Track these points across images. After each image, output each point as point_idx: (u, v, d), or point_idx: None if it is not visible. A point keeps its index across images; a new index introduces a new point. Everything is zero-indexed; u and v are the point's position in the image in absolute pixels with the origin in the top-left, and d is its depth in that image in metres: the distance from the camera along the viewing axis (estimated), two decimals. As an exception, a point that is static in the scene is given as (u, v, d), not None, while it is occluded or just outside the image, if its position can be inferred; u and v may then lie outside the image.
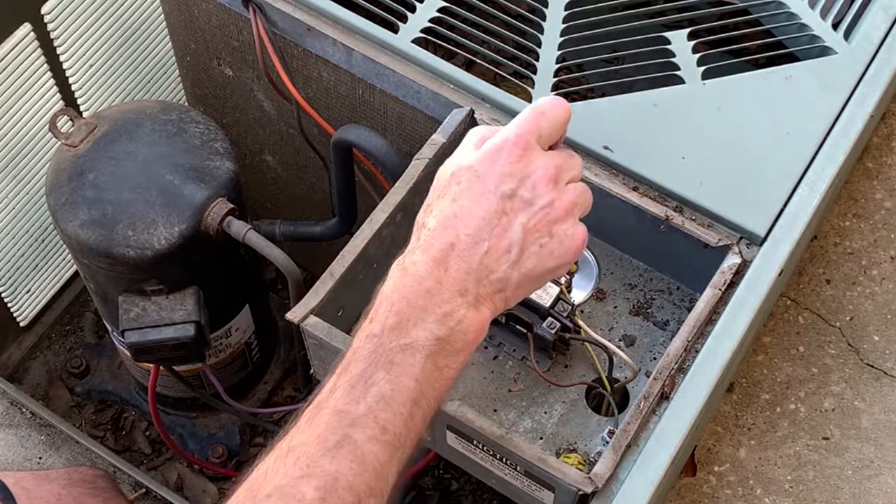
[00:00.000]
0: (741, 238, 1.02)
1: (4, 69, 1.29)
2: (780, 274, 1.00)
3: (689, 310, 0.99)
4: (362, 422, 0.71)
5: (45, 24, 1.31)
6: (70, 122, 1.23)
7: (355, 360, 0.73)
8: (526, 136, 0.78)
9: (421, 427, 0.74)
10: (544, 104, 0.80)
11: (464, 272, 0.75)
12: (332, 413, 0.71)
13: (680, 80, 1.12)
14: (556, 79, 1.12)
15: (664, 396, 0.93)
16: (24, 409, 1.37)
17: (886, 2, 1.17)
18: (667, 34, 1.16)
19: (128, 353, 1.28)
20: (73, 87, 1.41)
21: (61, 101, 1.40)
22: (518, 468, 0.91)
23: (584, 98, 1.16)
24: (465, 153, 0.80)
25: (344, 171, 1.20)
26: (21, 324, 1.61)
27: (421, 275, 0.75)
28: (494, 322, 1.02)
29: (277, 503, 0.68)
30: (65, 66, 1.38)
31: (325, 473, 0.69)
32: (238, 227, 1.18)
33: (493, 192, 0.76)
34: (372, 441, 0.71)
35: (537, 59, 1.14)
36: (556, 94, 1.11)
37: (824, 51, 1.15)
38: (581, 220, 1.10)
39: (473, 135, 0.81)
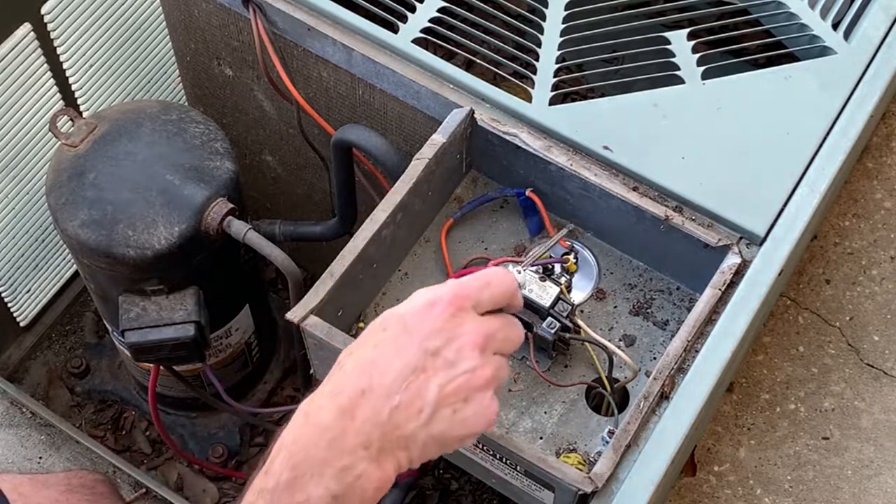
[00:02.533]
0: (741, 238, 1.02)
1: (4, 69, 1.29)
2: (780, 274, 1.00)
3: (689, 310, 0.99)
4: None
5: (45, 24, 1.31)
6: (70, 122, 1.23)
7: None
8: (462, 298, 0.74)
9: None
10: (491, 275, 0.76)
11: (371, 423, 0.70)
12: None
13: (680, 80, 1.12)
14: (556, 79, 1.12)
15: (664, 396, 0.93)
16: (24, 409, 1.37)
17: (886, 2, 1.17)
18: (667, 34, 1.16)
19: (128, 353, 1.28)
20: (73, 87, 1.41)
21: (61, 101, 1.40)
22: (518, 468, 0.91)
23: (584, 98, 1.16)
24: (403, 304, 0.76)
25: (344, 171, 1.20)
26: (21, 324, 1.61)
27: (324, 423, 0.70)
28: (494, 322, 1.02)
29: None
30: (65, 66, 1.38)
31: None
32: (238, 227, 1.18)
33: (416, 346, 0.72)
34: None
35: (537, 59, 1.14)
36: (554, 93, 1.11)
37: (824, 51, 1.15)
38: (581, 221, 1.10)
39: (418, 293, 0.76)
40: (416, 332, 0.72)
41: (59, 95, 1.40)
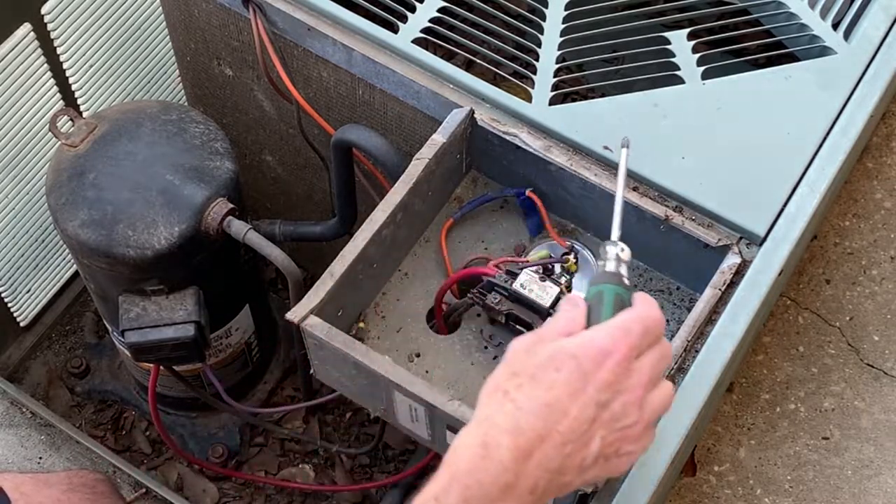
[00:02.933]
0: (741, 238, 1.02)
1: (4, 69, 1.29)
2: (780, 274, 1.00)
3: (689, 310, 0.99)
4: None
5: (45, 24, 1.31)
6: (70, 122, 1.23)
7: None
8: (633, 350, 0.74)
9: None
10: (647, 319, 0.75)
11: (542, 469, 0.72)
12: None
13: (680, 80, 1.12)
14: (556, 79, 1.12)
15: (664, 396, 0.93)
16: (24, 409, 1.37)
17: (886, 2, 1.17)
18: (667, 34, 1.16)
19: (128, 353, 1.28)
20: (73, 87, 1.41)
21: (61, 101, 1.40)
22: (518, 468, 0.91)
23: (584, 98, 1.16)
24: (554, 333, 0.75)
25: (344, 171, 1.20)
26: (21, 324, 1.61)
27: (504, 463, 0.71)
28: (494, 322, 1.02)
29: None
30: (65, 66, 1.38)
31: None
32: (238, 227, 1.18)
33: (589, 396, 0.72)
34: None
35: (537, 59, 1.14)
36: (554, 93, 1.11)
37: (824, 51, 1.15)
38: (581, 222, 1.10)
39: (559, 316, 0.77)
40: (590, 381, 0.72)
41: (59, 95, 1.40)
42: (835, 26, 1.16)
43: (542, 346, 0.74)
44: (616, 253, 0.79)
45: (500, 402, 0.73)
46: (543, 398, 0.72)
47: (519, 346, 0.75)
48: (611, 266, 0.79)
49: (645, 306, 0.76)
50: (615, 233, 0.82)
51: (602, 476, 0.75)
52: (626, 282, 0.78)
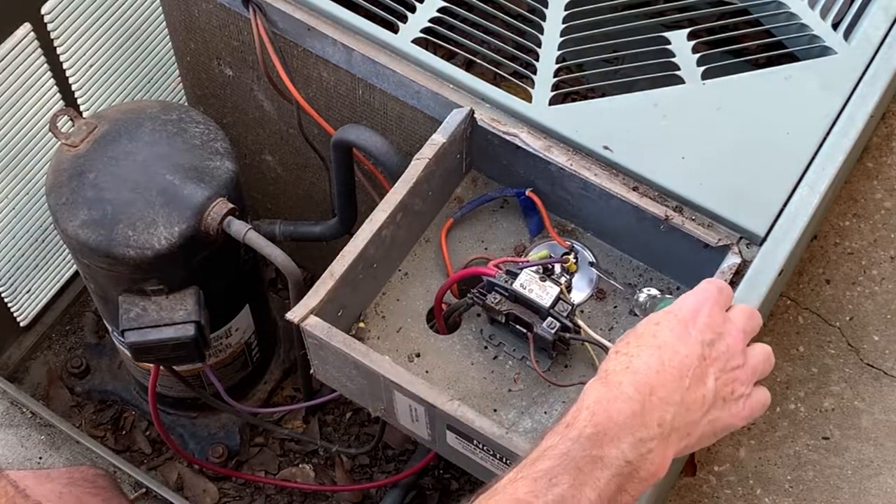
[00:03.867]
0: (741, 238, 1.02)
1: (4, 69, 1.29)
2: (779, 274, 1.00)
3: (689, 310, 0.99)
4: None
5: (45, 24, 1.31)
6: (70, 122, 1.23)
7: (544, 458, 0.73)
8: (719, 303, 0.82)
9: None
10: (715, 281, 0.86)
11: (666, 402, 0.76)
12: (509, 500, 0.71)
13: (680, 80, 1.12)
14: (556, 79, 1.12)
15: (664, 396, 0.93)
16: (24, 409, 1.37)
17: (886, 2, 1.17)
18: (667, 34, 1.16)
19: (128, 353, 1.28)
20: (73, 87, 1.41)
21: (61, 101, 1.40)
22: (518, 468, 0.91)
23: (584, 98, 1.17)
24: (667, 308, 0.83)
25: (344, 171, 1.20)
26: (21, 324, 1.61)
27: (628, 394, 0.75)
28: (494, 322, 1.02)
29: None
30: (65, 66, 1.38)
31: None
32: (238, 227, 1.18)
33: (695, 338, 0.78)
34: None
35: (537, 59, 1.14)
36: (554, 93, 1.11)
37: (824, 51, 1.15)
38: (581, 221, 1.10)
39: (682, 299, 0.84)
40: (692, 325, 0.79)
41: (59, 95, 1.40)
42: (835, 26, 1.16)
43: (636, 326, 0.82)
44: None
45: (614, 357, 0.79)
46: (652, 343, 0.78)
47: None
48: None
49: (706, 281, 0.85)
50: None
51: (725, 421, 0.80)
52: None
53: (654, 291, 1.03)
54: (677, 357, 0.77)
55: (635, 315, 1.06)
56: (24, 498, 0.95)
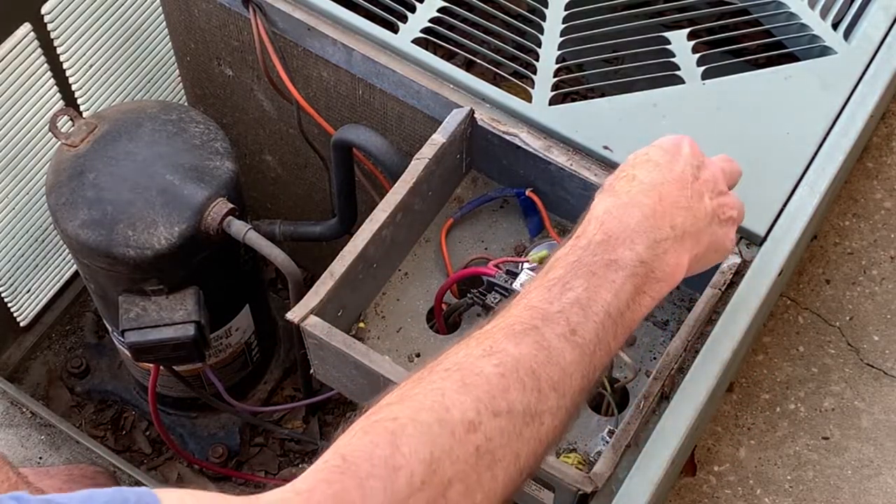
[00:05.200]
0: (741, 238, 1.02)
1: (4, 69, 1.29)
2: (779, 274, 1.00)
3: (689, 310, 0.99)
4: (554, 318, 0.71)
5: (45, 24, 1.31)
6: (70, 122, 1.23)
7: (555, 267, 0.74)
8: (693, 141, 0.85)
9: (612, 343, 0.74)
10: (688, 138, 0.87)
11: (675, 206, 0.78)
12: (523, 308, 0.72)
13: (680, 80, 1.12)
14: (556, 79, 1.12)
15: (664, 396, 0.93)
16: (24, 409, 1.37)
17: (886, 2, 1.17)
18: (667, 34, 1.16)
19: (128, 353, 1.28)
20: (73, 87, 1.41)
21: (61, 101, 1.40)
22: (518, 468, 0.91)
23: (584, 98, 1.16)
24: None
25: (344, 171, 1.20)
26: (21, 324, 1.61)
27: (636, 199, 0.77)
28: (494, 322, 1.02)
29: (454, 374, 0.68)
30: (65, 66, 1.38)
31: (507, 354, 0.69)
32: (238, 227, 1.18)
33: (685, 161, 0.81)
34: (560, 338, 0.70)
35: (537, 59, 1.14)
36: (554, 93, 1.11)
37: (824, 51, 1.15)
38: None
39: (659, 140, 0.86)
40: (678, 154, 0.82)
41: (59, 95, 1.40)
42: (835, 26, 1.16)
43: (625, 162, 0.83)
44: None
45: (616, 177, 0.81)
46: (649, 161, 0.80)
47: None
48: None
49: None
50: None
51: (723, 240, 0.84)
52: None
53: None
54: (674, 173, 0.80)
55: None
56: (26, 484, 0.95)
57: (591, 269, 0.73)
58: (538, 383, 0.68)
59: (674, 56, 1.14)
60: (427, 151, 1.03)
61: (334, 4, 1.15)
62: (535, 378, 0.68)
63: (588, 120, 1.07)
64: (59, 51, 1.35)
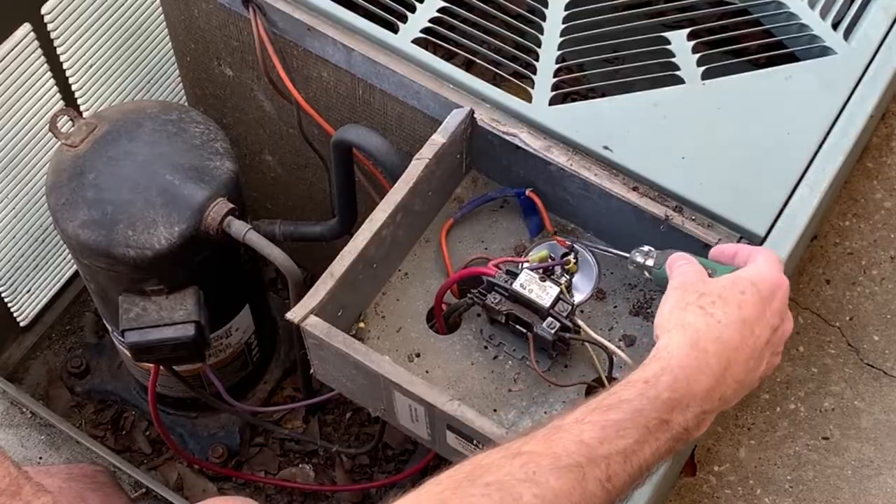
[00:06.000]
0: (741, 238, 1.02)
1: (4, 69, 1.29)
2: (779, 274, 1.00)
3: (689, 310, 0.99)
4: (598, 462, 0.73)
5: (45, 24, 1.31)
6: (70, 122, 1.23)
7: (616, 409, 0.76)
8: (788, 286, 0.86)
9: (629, 491, 0.76)
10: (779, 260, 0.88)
11: (735, 381, 0.80)
12: (573, 441, 0.73)
13: (680, 80, 1.12)
14: (556, 79, 1.12)
15: (664, 396, 0.93)
16: (24, 409, 1.37)
17: (886, 2, 1.17)
18: (667, 34, 1.16)
19: (128, 353, 1.28)
20: (73, 87, 1.41)
21: (61, 101, 1.40)
22: (518, 468, 0.91)
23: (584, 98, 1.16)
24: (750, 270, 0.86)
25: (344, 171, 1.20)
26: (21, 324, 1.61)
27: (712, 367, 0.78)
28: (494, 322, 1.02)
29: (495, 494, 0.70)
30: (65, 66, 1.38)
31: (549, 486, 0.71)
32: (238, 227, 1.18)
33: (767, 321, 0.82)
34: (597, 483, 0.73)
35: (537, 59, 1.14)
36: (554, 93, 1.11)
37: (824, 51, 1.15)
38: (581, 221, 1.10)
39: (766, 265, 0.87)
40: (768, 307, 0.82)
41: (59, 95, 1.40)
42: (835, 26, 1.16)
43: (711, 279, 0.85)
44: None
45: (700, 314, 0.81)
46: (738, 315, 0.80)
47: (688, 278, 0.86)
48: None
49: (773, 254, 0.89)
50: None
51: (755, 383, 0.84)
52: None
53: (646, 248, 1.00)
54: (753, 337, 0.80)
55: (636, 315, 1.06)
56: (26, 479, 0.96)
57: (647, 425, 0.75)
58: None
59: (674, 56, 1.14)
60: (427, 151, 1.03)
61: (334, 4, 1.15)
62: None
63: (588, 120, 1.07)
64: (59, 51, 1.35)
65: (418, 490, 0.71)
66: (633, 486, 0.76)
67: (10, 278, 1.50)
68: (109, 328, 1.42)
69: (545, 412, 1.00)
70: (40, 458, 1.33)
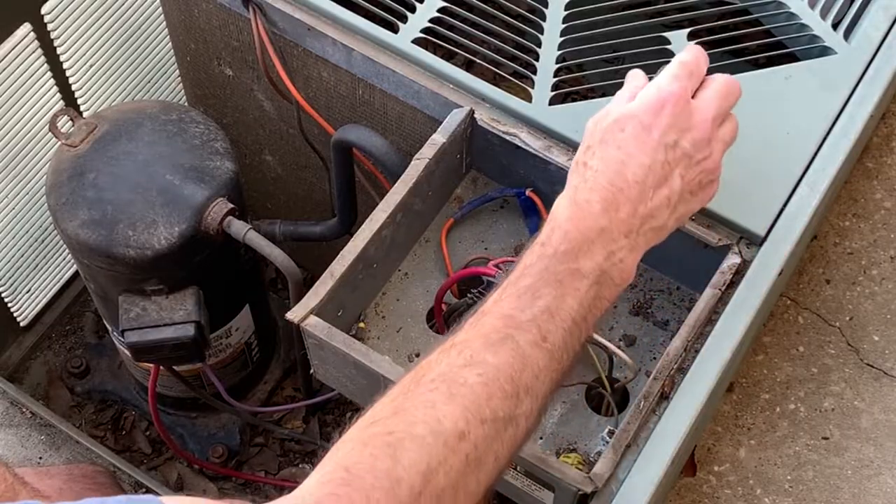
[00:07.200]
0: (741, 238, 1.02)
1: (4, 69, 1.29)
2: (779, 274, 1.00)
3: (689, 310, 0.99)
4: (526, 327, 0.75)
5: (45, 24, 1.31)
6: (70, 122, 1.23)
7: (525, 275, 0.78)
8: (684, 91, 0.83)
9: (576, 348, 0.78)
10: (690, 62, 0.85)
11: (631, 216, 0.80)
12: (497, 317, 0.75)
13: (680, 80, 1.11)
14: (556, 79, 1.12)
15: (664, 396, 0.93)
16: (24, 409, 1.37)
17: (886, 2, 1.17)
18: (667, 34, 1.16)
19: (128, 353, 1.28)
20: (73, 87, 1.41)
21: (61, 101, 1.40)
22: (518, 468, 0.91)
23: (584, 98, 1.16)
24: (621, 103, 0.85)
25: (344, 171, 1.20)
26: (21, 324, 1.61)
27: (595, 213, 0.79)
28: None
29: (441, 386, 0.72)
30: (65, 66, 1.38)
31: (488, 364, 0.73)
32: (238, 227, 1.18)
33: (657, 142, 0.81)
34: (533, 345, 0.75)
35: (537, 59, 1.14)
36: (554, 93, 1.11)
37: (824, 51, 1.15)
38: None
39: (625, 89, 0.87)
40: (655, 129, 0.81)
41: (59, 95, 1.40)
42: (835, 26, 1.16)
43: (609, 115, 0.83)
44: None
45: (581, 172, 0.82)
46: (614, 156, 0.81)
47: (590, 121, 0.85)
48: None
49: (686, 52, 0.86)
50: None
51: (694, 208, 0.85)
52: None
53: None
54: (640, 170, 0.80)
55: (636, 315, 1.06)
56: (22, 485, 0.96)
57: (558, 278, 0.77)
58: (516, 390, 0.73)
59: (674, 56, 1.14)
60: (427, 151, 1.03)
61: (334, 4, 1.15)
62: (514, 385, 0.73)
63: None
64: (59, 51, 1.35)
65: (373, 406, 0.72)
66: (581, 339, 0.78)
67: (10, 278, 1.50)
68: (109, 328, 1.42)
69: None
70: (40, 458, 1.33)
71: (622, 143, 0.81)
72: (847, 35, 1.15)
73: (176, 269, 1.21)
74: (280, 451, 1.62)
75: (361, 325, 1.05)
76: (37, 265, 1.54)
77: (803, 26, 1.17)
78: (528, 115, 1.08)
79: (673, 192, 0.82)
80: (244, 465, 1.59)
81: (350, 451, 0.69)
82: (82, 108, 1.45)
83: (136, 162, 1.20)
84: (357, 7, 1.16)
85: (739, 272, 1.00)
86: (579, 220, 0.79)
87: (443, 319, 1.04)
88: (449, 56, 1.17)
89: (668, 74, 0.85)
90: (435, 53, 1.14)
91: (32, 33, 1.30)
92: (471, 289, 1.02)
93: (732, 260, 1.00)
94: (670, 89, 0.83)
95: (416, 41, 1.13)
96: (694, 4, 1.21)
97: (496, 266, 1.01)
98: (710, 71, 1.12)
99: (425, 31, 1.15)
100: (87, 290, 1.38)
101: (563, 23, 1.17)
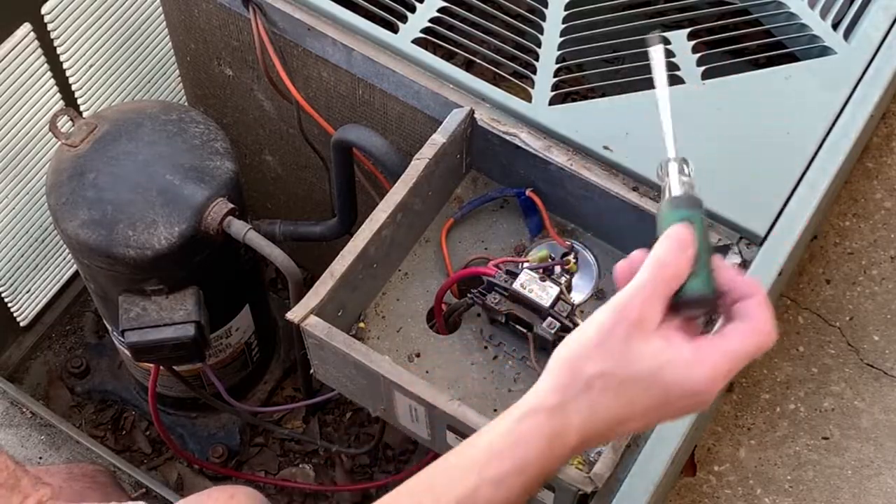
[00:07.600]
0: (741, 238, 1.02)
1: (4, 69, 1.29)
2: (779, 274, 1.00)
3: (689, 310, 0.99)
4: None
5: (45, 24, 1.31)
6: (70, 122, 1.23)
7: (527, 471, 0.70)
8: (725, 385, 0.71)
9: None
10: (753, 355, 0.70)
11: (596, 443, 0.72)
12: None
13: (680, 80, 1.12)
14: (556, 79, 1.12)
15: (664, 396, 0.93)
16: (24, 409, 1.37)
17: (886, 2, 1.17)
18: (667, 34, 1.16)
19: (128, 353, 1.28)
20: (73, 87, 1.41)
21: (61, 101, 1.40)
22: (518, 468, 0.91)
23: (584, 98, 1.16)
24: (663, 287, 0.71)
25: (344, 171, 1.20)
26: (21, 324, 1.61)
27: (566, 455, 0.70)
28: (494, 322, 1.02)
29: None
30: (65, 66, 1.38)
31: None
32: (238, 227, 1.18)
33: (661, 415, 0.70)
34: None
35: (537, 59, 1.14)
36: (554, 93, 1.11)
37: (824, 51, 1.15)
38: (581, 221, 1.10)
39: (673, 265, 0.73)
40: (670, 406, 0.69)
41: (59, 95, 1.40)
42: (835, 26, 1.16)
43: (645, 338, 0.68)
44: (682, 168, 0.77)
45: (580, 394, 0.68)
46: (619, 414, 0.68)
47: (620, 319, 0.68)
48: (681, 188, 0.77)
49: (755, 337, 0.70)
50: (671, 149, 0.77)
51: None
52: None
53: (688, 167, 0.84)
54: (631, 424, 0.70)
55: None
56: (24, 472, 0.96)
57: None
58: None
59: (674, 56, 1.14)
60: (427, 151, 1.03)
61: (334, 4, 1.15)
62: None
63: (588, 120, 1.07)
64: (59, 51, 1.35)
65: None
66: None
67: (10, 278, 1.50)
68: (109, 328, 1.42)
69: (545, 412, 0.99)
70: (40, 458, 1.33)
71: (635, 404, 0.69)
72: (847, 35, 1.15)
73: (176, 269, 1.21)
74: (280, 451, 1.62)
75: (361, 325, 1.05)
76: (37, 265, 1.54)
77: (803, 26, 1.17)
78: (528, 115, 1.08)
79: (650, 426, 0.75)
80: (244, 465, 1.59)
81: None
82: (82, 108, 1.45)
83: (136, 162, 1.20)
84: (357, 7, 1.16)
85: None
86: (547, 460, 0.69)
87: (443, 319, 1.04)
88: (449, 56, 1.17)
89: (728, 365, 0.69)
90: (435, 53, 1.14)
91: (32, 33, 1.30)
92: (471, 289, 1.02)
93: (732, 260, 1.00)
94: (714, 386, 0.68)
95: (416, 41, 1.14)
96: (694, 4, 1.21)
97: (496, 266, 1.01)
98: (710, 71, 1.13)
99: (425, 31, 1.15)
100: (87, 290, 1.38)
101: (563, 23, 1.17)
